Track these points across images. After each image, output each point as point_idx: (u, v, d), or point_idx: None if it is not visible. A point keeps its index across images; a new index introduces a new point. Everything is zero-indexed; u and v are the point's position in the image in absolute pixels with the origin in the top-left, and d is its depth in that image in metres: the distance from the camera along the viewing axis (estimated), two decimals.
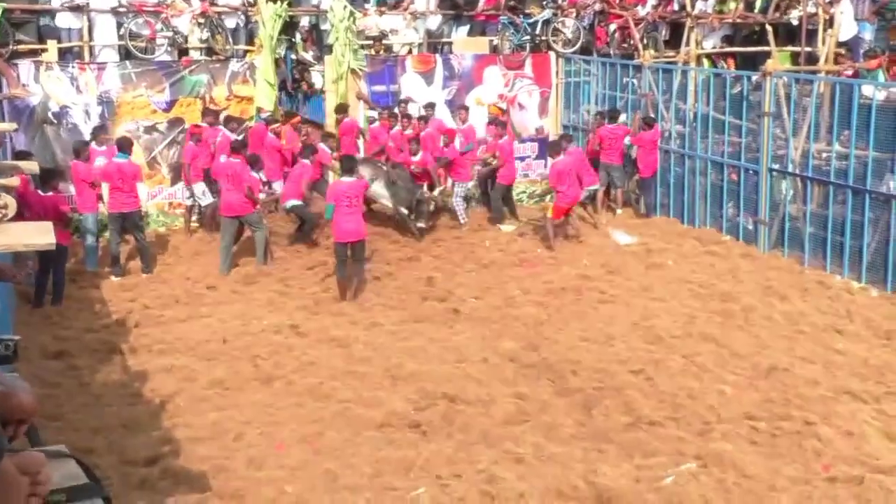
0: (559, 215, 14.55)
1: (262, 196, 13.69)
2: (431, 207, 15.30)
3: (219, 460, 7.95)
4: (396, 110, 16.32)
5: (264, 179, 14.35)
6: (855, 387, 9.24)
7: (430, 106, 16.70)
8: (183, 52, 16.44)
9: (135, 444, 8.22)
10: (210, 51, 16.39)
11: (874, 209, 12.35)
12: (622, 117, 16.38)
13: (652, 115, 16.12)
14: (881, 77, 13.99)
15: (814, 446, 8.07)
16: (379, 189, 14.96)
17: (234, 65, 16.42)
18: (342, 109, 16.33)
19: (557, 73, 18.55)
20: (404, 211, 14.95)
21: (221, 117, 15.60)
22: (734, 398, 9.11)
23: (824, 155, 13.22)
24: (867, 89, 12.82)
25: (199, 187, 14.78)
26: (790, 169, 13.73)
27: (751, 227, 14.58)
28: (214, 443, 8.33)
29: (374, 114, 16.63)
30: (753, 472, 7.66)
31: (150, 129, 15.99)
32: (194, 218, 15.28)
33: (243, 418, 8.83)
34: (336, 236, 12.35)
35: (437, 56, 17.94)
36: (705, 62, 17.49)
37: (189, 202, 15.18)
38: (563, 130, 17.89)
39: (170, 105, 15.98)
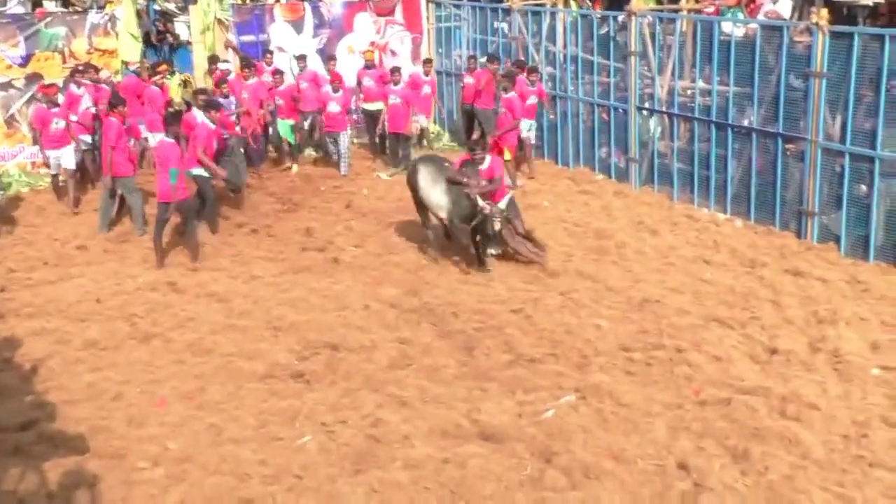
0: (515, 152, 14.84)
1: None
2: (498, 227, 10.80)
3: (97, 421, 7.78)
4: (256, 62, 15.97)
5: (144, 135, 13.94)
6: (722, 314, 9.62)
7: (302, 58, 16.39)
8: (37, 3, 15.71)
9: (6, 410, 7.97)
10: (66, 2, 15.71)
11: (737, 143, 12.79)
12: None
13: (522, 59, 16.23)
14: (740, 15, 14.40)
15: (685, 372, 8.40)
16: (437, 195, 11.44)
17: (94, 17, 15.81)
18: (214, 60, 15.93)
19: (428, 18, 18.48)
20: (460, 225, 11.29)
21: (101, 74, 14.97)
22: (610, 331, 9.37)
23: (689, 92, 13.58)
24: (727, 26, 13.19)
25: (59, 152, 13.95)
26: (657, 107, 14.08)
27: (622, 165, 14.93)
28: (91, 404, 8.13)
29: (230, 65, 16.23)
30: (629, 400, 7.93)
31: (6, 86, 15.30)
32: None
33: (121, 378, 8.64)
34: (159, 195, 11.63)
35: (306, 4, 17.64)
36: (573, 4, 17.66)
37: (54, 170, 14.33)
38: (437, 76, 17.83)
39: (26, 60, 15.29)
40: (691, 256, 11.50)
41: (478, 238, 11.18)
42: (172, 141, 11.50)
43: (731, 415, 7.53)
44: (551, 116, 15.63)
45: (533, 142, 15.58)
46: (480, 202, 10.63)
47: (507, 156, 14.76)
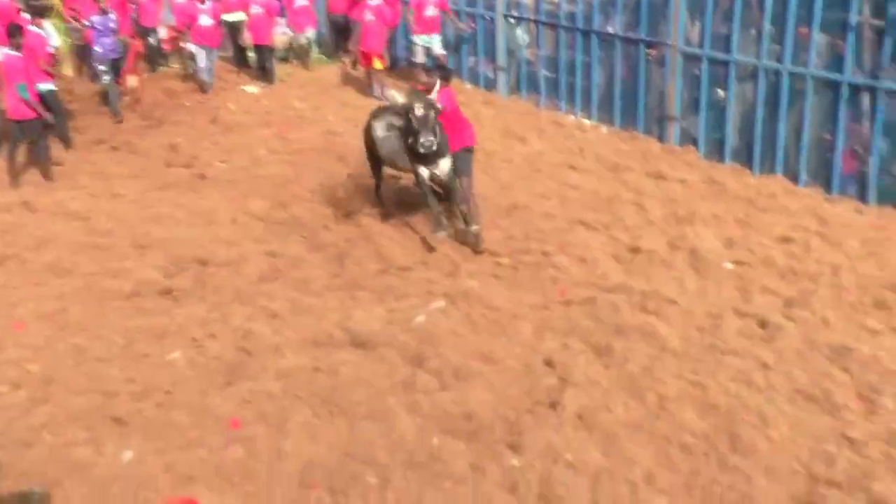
0: (385, 61, 14.76)
1: None
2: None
3: None
4: None
5: None
6: (587, 217, 9.85)
7: None
8: None
9: None
10: None
11: (601, 49, 12.95)
12: None
13: None
14: None
15: (551, 275, 8.61)
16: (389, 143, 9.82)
17: None
18: None
19: None
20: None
21: None
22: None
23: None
24: None
25: None
26: (524, 15, 14.10)
27: (491, 74, 14.95)
28: None
29: None
30: (498, 303, 8.09)
31: None
32: None
33: None
34: (9, 112, 11.13)
35: None
36: None
37: None
38: None
39: None
40: (558, 162, 11.69)
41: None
42: (17, 54, 10.93)
43: (595, 313, 7.77)
44: (462, 27, 15.26)
45: (445, 60, 14.81)
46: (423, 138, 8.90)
47: (378, 65, 14.61)
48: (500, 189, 10.82)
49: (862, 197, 10.09)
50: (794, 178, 10.65)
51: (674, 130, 12.02)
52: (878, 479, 5.74)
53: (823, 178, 10.46)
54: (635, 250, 9.02)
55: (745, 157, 11.19)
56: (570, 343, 7.35)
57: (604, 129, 12.88)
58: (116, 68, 14.00)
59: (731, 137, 11.33)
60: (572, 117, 13.38)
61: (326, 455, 6.12)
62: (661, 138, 12.18)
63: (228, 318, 7.93)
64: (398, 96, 9.52)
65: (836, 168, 10.27)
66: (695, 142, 11.79)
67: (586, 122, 13.16)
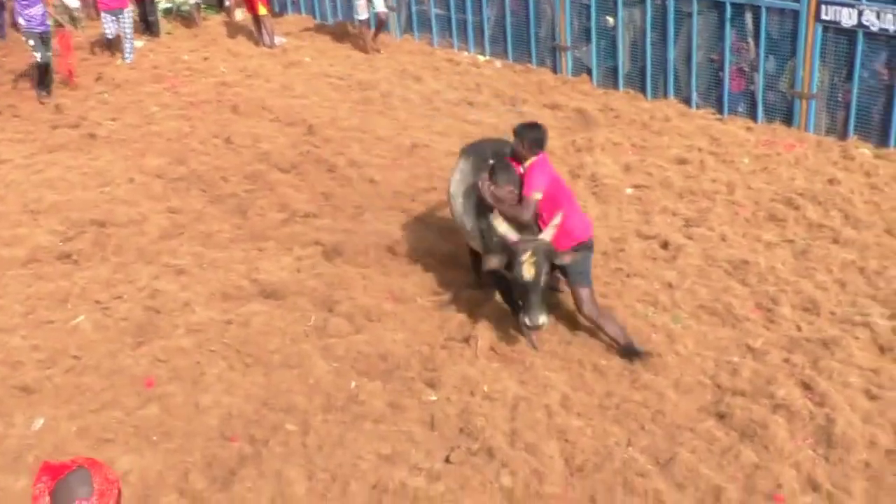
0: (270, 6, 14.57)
1: None
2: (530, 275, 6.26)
3: None
4: None
5: None
6: None
7: None
8: None
9: None
10: None
11: None
12: None
13: None
14: None
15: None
16: (460, 208, 7.03)
17: None
18: None
19: None
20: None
21: None
22: (383, 181, 9.47)
23: None
24: None
25: None
26: None
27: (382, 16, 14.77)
28: None
29: None
30: (405, 244, 8.10)
31: None
32: None
33: None
34: None
35: None
36: None
37: None
38: None
39: None
40: (455, 100, 11.70)
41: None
42: None
43: None
44: None
45: (386, 17, 14.09)
46: (501, 229, 6.27)
47: (262, 10, 14.31)
48: (399, 129, 10.79)
49: (751, 115, 10.37)
50: (687, 101, 10.88)
51: (566, 61, 12.12)
52: (780, 384, 5.99)
53: (714, 98, 10.70)
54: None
55: (638, 82, 11.36)
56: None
57: (498, 63, 12.90)
58: (46, 42, 12.53)
59: (623, 64, 11.47)
60: (466, 54, 13.37)
61: (244, 406, 6.11)
62: (554, 69, 12.27)
63: (133, 278, 7.77)
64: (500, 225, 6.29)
65: (726, 88, 10.51)
66: (588, 71, 11.92)
67: (480, 57, 13.16)
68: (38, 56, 12.36)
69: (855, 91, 9.45)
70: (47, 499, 3.01)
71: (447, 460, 5.58)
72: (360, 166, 9.79)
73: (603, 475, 5.40)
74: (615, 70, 11.58)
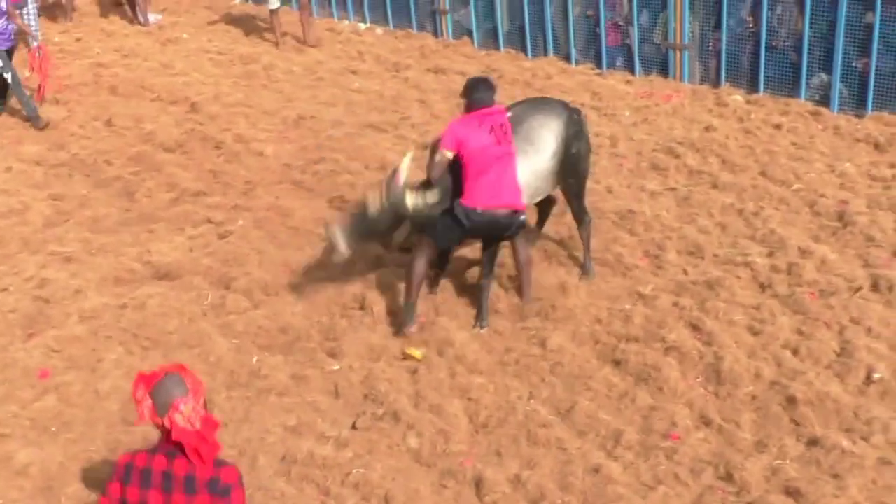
0: None
1: None
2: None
3: None
4: None
5: None
6: (375, 120, 9.94)
7: None
8: None
9: None
10: None
11: None
12: None
13: None
14: None
15: (348, 181, 8.66)
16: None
17: None
18: None
19: None
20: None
21: None
22: (272, 155, 9.40)
23: None
24: None
25: None
26: None
27: None
28: None
29: None
30: (299, 215, 8.10)
31: None
32: None
33: None
34: None
35: None
36: None
37: None
38: None
39: None
40: (339, 69, 11.66)
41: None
42: None
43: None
44: None
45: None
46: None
47: None
48: (284, 102, 10.71)
49: (629, 68, 10.64)
50: (567, 58, 11.08)
51: (447, 24, 12.18)
52: (671, 328, 6.25)
53: (593, 54, 10.93)
54: (425, 147, 9.15)
55: (518, 42, 11.51)
56: (372, 248, 7.46)
57: (379, 30, 12.89)
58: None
59: (503, 24, 11.59)
60: (347, 22, 13.31)
61: None
62: (435, 33, 12.33)
63: (19, 268, 7.55)
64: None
65: (603, 43, 10.74)
66: (469, 33, 12.01)
67: (361, 25, 13.13)
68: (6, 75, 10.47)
69: (724, 40, 9.78)
70: (149, 401, 3.45)
71: (354, 427, 5.66)
72: (248, 141, 9.68)
73: (507, 429, 5.57)
74: (495, 31, 11.70)
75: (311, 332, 6.57)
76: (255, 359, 6.30)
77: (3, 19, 10.27)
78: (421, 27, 12.48)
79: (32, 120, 10.45)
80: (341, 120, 10.01)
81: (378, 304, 6.68)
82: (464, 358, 6.16)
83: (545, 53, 11.23)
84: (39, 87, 10.84)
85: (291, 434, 5.60)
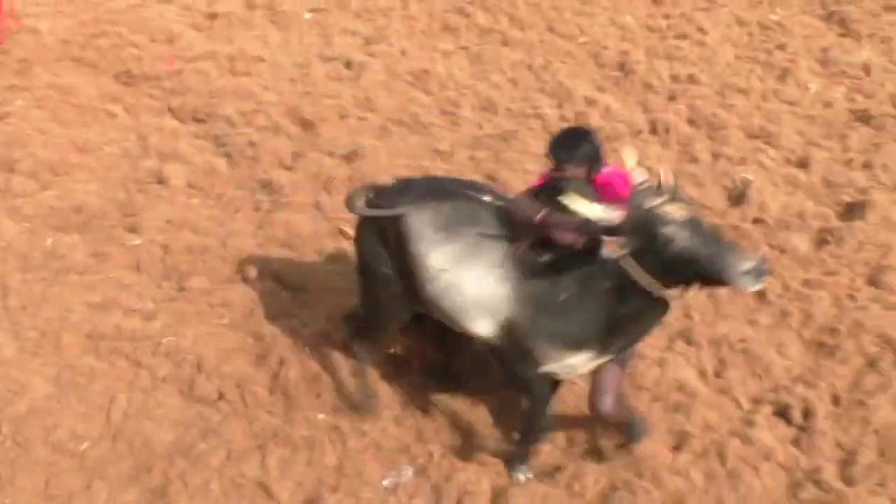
0: None
1: None
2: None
3: None
4: None
5: None
6: None
7: None
8: None
9: None
10: None
11: None
12: None
13: None
14: None
15: (133, 54, 8.24)
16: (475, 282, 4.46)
17: None
18: None
19: None
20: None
21: None
22: (47, 31, 8.80)
23: None
24: None
25: None
26: None
27: None
28: None
29: None
30: (84, 92, 7.68)
31: None
32: None
33: None
34: None
35: None
36: None
37: None
38: None
39: None
40: None
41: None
42: None
43: (184, 83, 7.69)
44: None
45: None
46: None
47: None
48: None
49: None
50: None
51: None
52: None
53: None
54: (213, 16, 8.85)
55: None
56: (165, 122, 7.27)
57: None
58: None
59: None
60: None
61: None
62: None
63: None
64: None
65: None
66: None
67: None
68: None
69: None
70: None
71: (159, 299, 5.63)
72: (18, 17, 9.03)
73: None
74: None
75: (108, 209, 6.38)
76: (48, 240, 6.08)
77: None
78: None
79: None
80: None
81: (176, 176, 6.55)
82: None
83: None
84: None
85: (96, 310, 5.51)
